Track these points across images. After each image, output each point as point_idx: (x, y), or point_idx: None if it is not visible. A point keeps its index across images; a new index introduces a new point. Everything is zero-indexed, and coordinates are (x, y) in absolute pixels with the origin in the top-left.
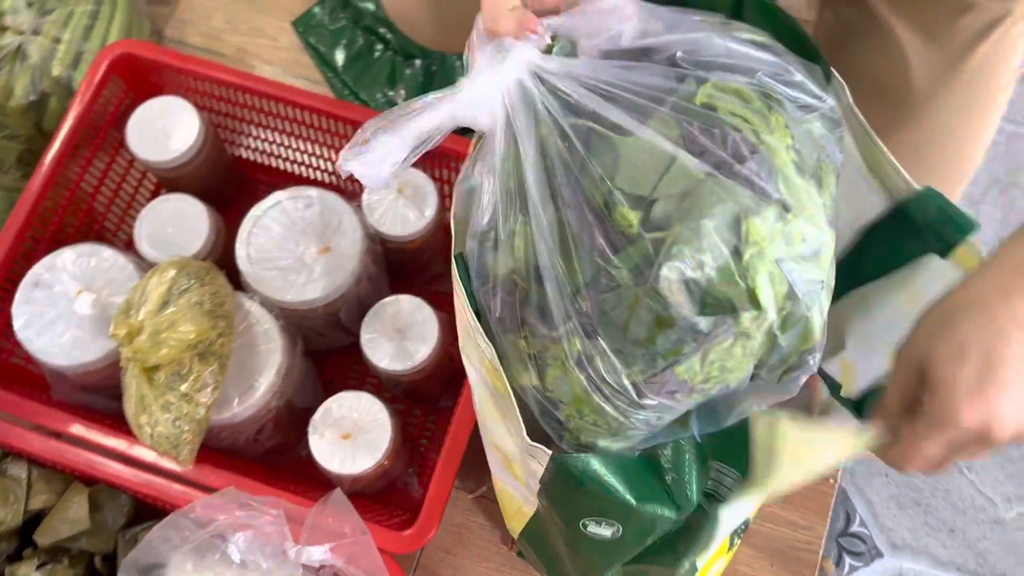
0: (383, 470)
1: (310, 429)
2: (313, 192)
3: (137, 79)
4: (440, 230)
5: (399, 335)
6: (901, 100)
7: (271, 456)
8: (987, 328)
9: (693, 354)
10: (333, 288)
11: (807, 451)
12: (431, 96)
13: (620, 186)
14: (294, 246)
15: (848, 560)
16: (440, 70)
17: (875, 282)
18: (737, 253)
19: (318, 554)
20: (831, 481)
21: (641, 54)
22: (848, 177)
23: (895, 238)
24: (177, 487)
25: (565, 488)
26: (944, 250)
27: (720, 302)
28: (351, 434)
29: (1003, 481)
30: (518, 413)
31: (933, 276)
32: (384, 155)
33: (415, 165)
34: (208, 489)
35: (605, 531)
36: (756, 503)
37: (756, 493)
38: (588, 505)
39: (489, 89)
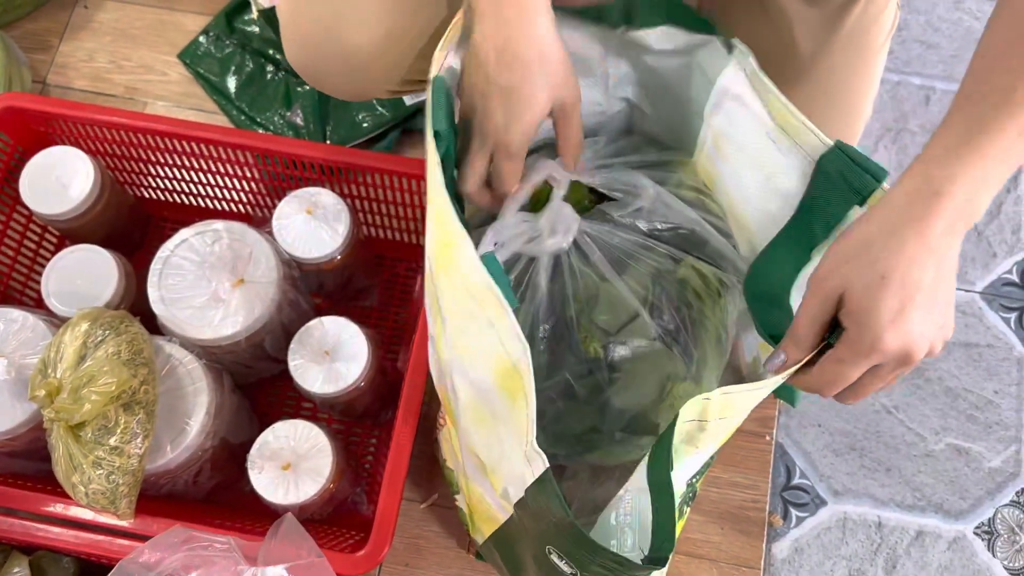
0: (329, 494)
1: (248, 464)
2: (220, 225)
3: (24, 132)
4: (357, 245)
5: (328, 357)
6: (788, 63)
7: (215, 495)
8: (902, 256)
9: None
10: (253, 320)
11: (733, 408)
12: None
13: (594, 318)
14: (207, 282)
15: (794, 512)
16: None
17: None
18: (658, 401)
19: (275, 574)
20: (767, 438)
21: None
22: (758, 143)
23: (826, 197)
24: (121, 542)
25: (541, 509)
26: (862, 200)
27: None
28: (291, 463)
29: (928, 415)
30: (532, 416)
31: None
32: None
33: (322, 184)
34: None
35: (565, 568)
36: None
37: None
38: (556, 537)
39: (555, 240)
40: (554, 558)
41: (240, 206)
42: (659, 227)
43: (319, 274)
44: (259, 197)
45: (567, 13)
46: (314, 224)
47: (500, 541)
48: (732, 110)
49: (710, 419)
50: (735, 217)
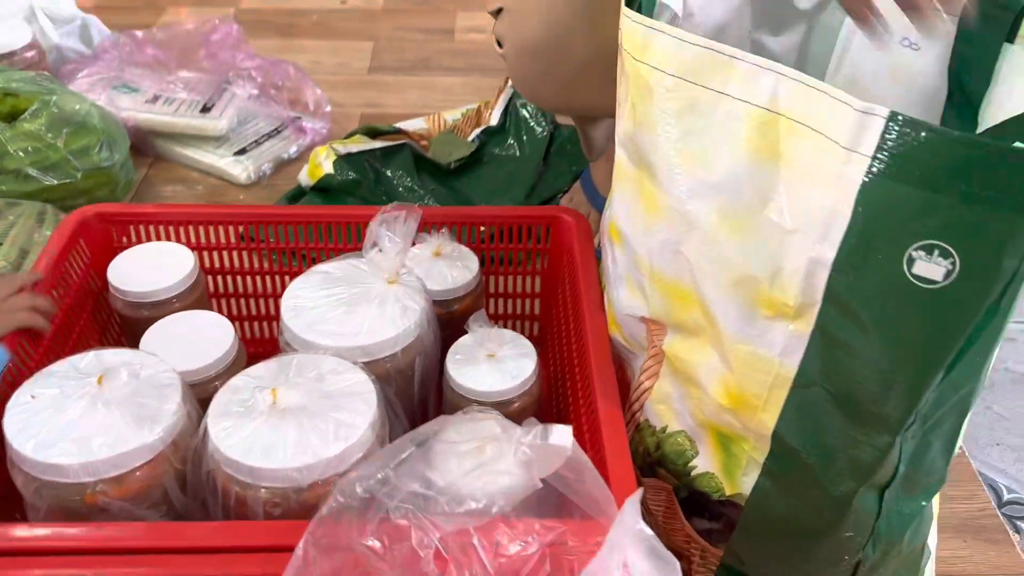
0: None
1: None
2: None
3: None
4: (483, 293)
5: (492, 358)
6: None
7: None
8: None
9: None
10: (409, 325)
11: None
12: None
13: None
14: (356, 288)
15: (1022, 524)
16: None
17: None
18: None
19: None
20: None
21: None
22: None
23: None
24: None
25: (895, 197)
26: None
27: None
28: None
29: None
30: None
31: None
32: None
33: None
34: None
35: (936, 270)
36: None
37: None
38: (928, 212)
39: None
40: (919, 267)
41: None
42: None
43: (443, 319)
44: None
45: None
46: (444, 264)
47: (801, 393)
48: None
49: None
50: None
